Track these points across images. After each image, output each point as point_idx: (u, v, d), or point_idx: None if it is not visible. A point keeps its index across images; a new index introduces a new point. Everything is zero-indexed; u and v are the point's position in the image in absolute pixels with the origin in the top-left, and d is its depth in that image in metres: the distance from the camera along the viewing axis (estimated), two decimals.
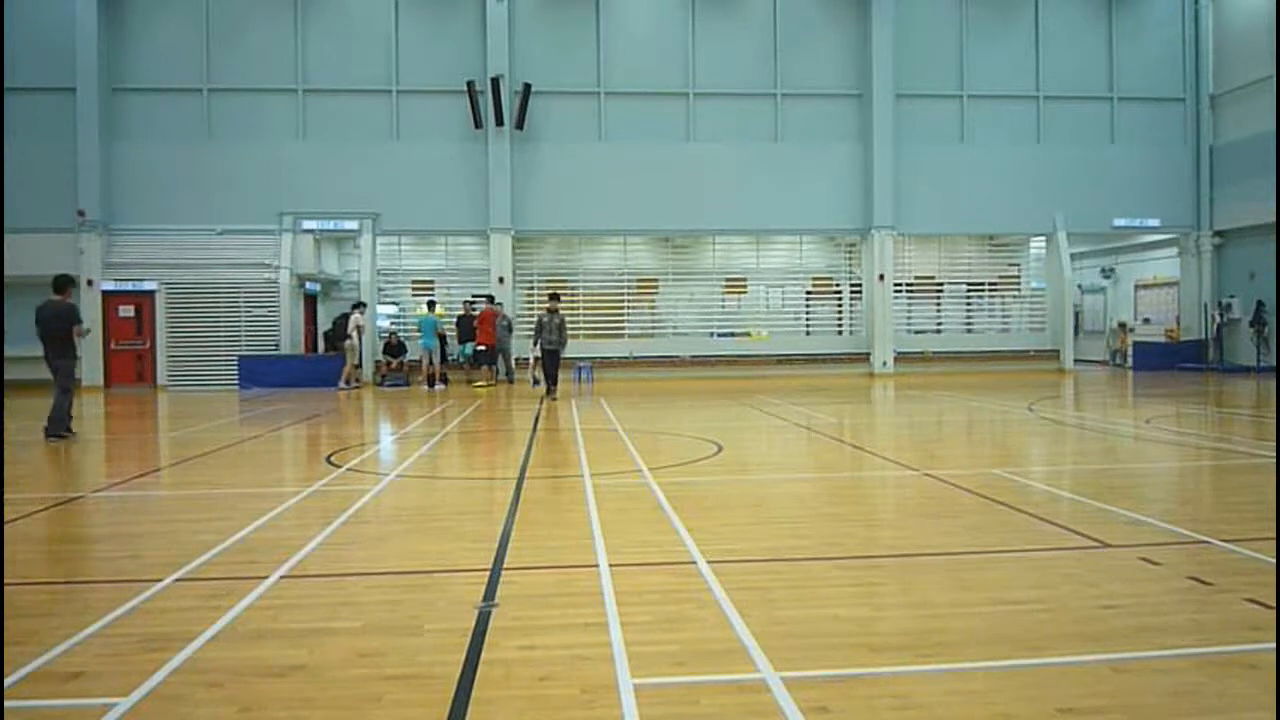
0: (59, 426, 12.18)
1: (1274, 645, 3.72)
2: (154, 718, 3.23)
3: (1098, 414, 14.81)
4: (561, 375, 22.52)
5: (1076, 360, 26.06)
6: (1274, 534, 5.67)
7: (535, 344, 18.53)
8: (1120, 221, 25.71)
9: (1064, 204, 25.18)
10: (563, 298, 24.94)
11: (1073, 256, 26.82)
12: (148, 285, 22.69)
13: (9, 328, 20.71)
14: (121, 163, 22.96)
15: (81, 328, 12.53)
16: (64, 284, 12.67)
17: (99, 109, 22.46)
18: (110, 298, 22.62)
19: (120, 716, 3.21)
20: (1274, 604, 4.30)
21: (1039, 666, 3.64)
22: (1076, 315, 28.28)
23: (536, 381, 19.47)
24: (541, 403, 17.09)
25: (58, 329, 12.30)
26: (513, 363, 22.75)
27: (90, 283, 22.34)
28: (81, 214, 22.34)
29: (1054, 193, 25.10)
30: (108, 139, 22.79)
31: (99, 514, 7.35)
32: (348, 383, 21.57)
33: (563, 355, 18.58)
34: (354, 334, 21.77)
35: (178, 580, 5.02)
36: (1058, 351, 25.66)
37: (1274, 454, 9.28)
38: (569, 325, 19.18)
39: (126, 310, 22.83)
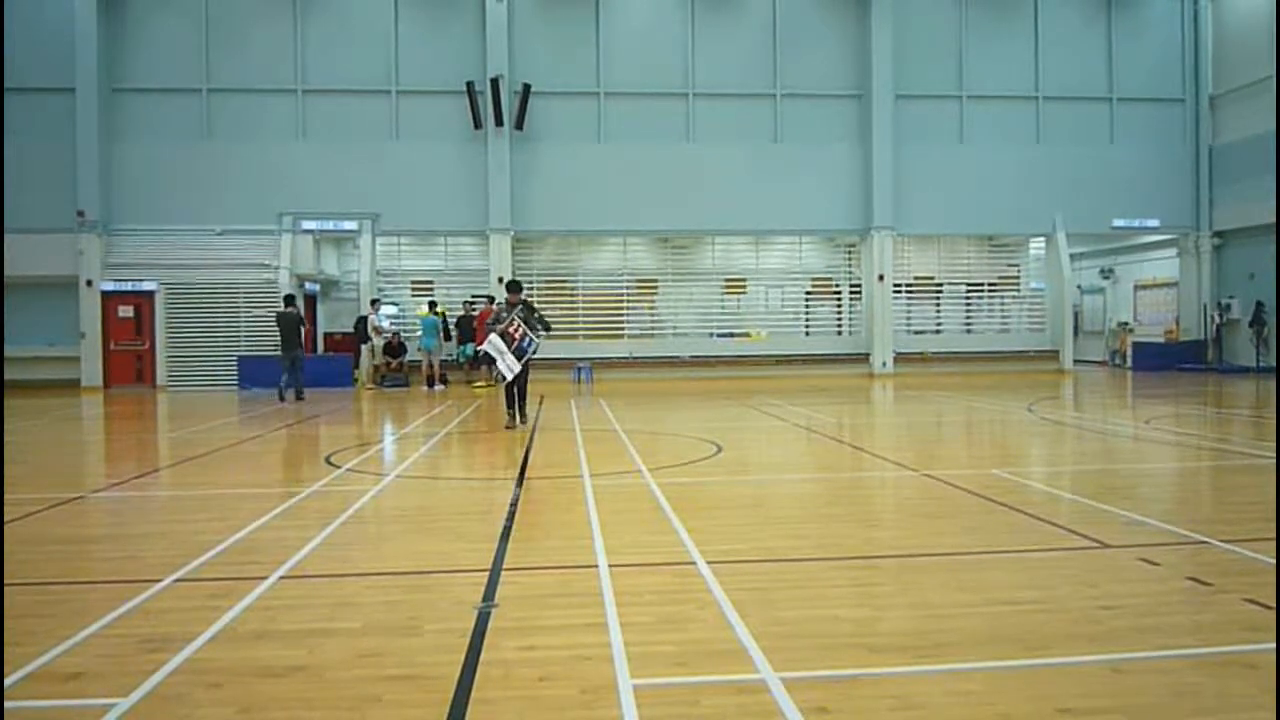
0: (302, 392, 18.26)
1: (1274, 645, 3.72)
2: (154, 718, 3.23)
3: (1097, 414, 14.81)
4: (559, 376, 22.65)
5: (1076, 361, 26.06)
6: (1273, 534, 5.67)
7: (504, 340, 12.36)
8: (1119, 222, 25.72)
9: (1063, 204, 25.18)
10: (562, 298, 25.17)
11: (1072, 257, 26.84)
12: (147, 285, 22.69)
13: (7, 328, 20.71)
14: (121, 163, 22.96)
15: (304, 328, 19.28)
16: (291, 299, 18.95)
17: (99, 109, 22.45)
18: (110, 298, 22.61)
19: (120, 717, 3.21)
20: (1273, 604, 4.30)
21: (1038, 667, 3.64)
22: (1076, 316, 28.28)
23: (501, 379, 13.15)
24: (536, 420, 13.58)
25: (293, 331, 18.35)
26: None
27: (89, 283, 22.34)
28: (81, 214, 22.32)
29: (1053, 193, 25.10)
30: (107, 139, 22.78)
31: (99, 514, 7.35)
32: (378, 382, 22.00)
33: (531, 356, 12.61)
34: (373, 334, 22.02)
35: (177, 580, 5.02)
36: (1057, 352, 25.66)
37: (1274, 454, 9.28)
38: (552, 323, 14.09)
39: (126, 310, 22.81)
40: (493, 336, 12.44)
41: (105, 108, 22.70)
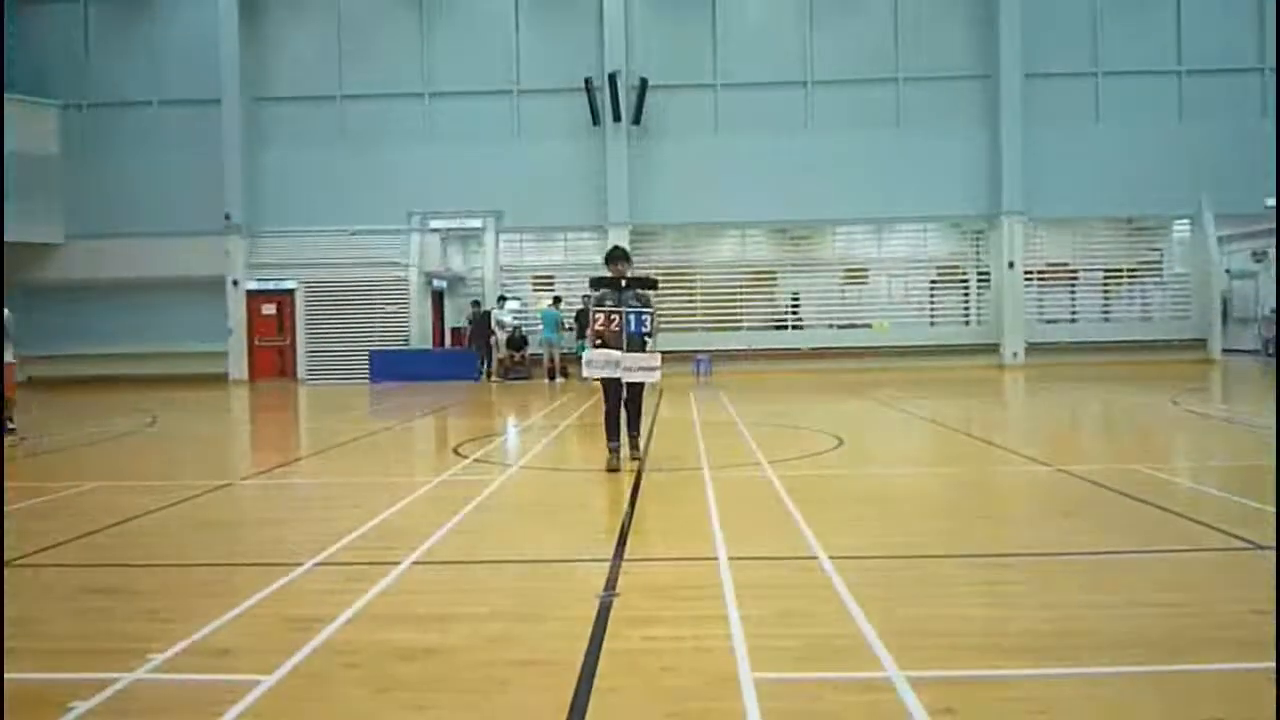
0: (481, 373, 22.91)
1: None
2: (297, 694, 3.40)
3: (1247, 406, 13.90)
4: (678, 368, 22.44)
5: (1224, 350, 24.50)
6: None
7: (592, 342, 8.91)
8: (1273, 201, 23.97)
9: (1210, 183, 23.65)
10: (681, 290, 25.13)
11: (1221, 239, 25.21)
12: (288, 284, 23.89)
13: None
14: (263, 169, 24.25)
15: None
16: (478, 302, 23.53)
17: (242, 119, 23.78)
18: (254, 297, 23.94)
19: (265, 692, 3.38)
20: None
21: (1181, 673, 3.45)
22: (1225, 302, 26.54)
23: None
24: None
25: (481, 327, 23.00)
26: None
27: (235, 282, 23.68)
28: (228, 217, 23.69)
29: (1198, 172, 23.59)
30: (250, 146, 24.08)
31: (245, 500, 7.79)
32: (504, 375, 22.69)
33: (657, 370, 8.95)
34: (497, 329, 22.75)
35: (318, 564, 5.25)
36: (1204, 340, 24.18)
37: None
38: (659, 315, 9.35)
39: (269, 308, 24.09)
40: (589, 355, 8.91)
41: (248, 117, 24.00)
